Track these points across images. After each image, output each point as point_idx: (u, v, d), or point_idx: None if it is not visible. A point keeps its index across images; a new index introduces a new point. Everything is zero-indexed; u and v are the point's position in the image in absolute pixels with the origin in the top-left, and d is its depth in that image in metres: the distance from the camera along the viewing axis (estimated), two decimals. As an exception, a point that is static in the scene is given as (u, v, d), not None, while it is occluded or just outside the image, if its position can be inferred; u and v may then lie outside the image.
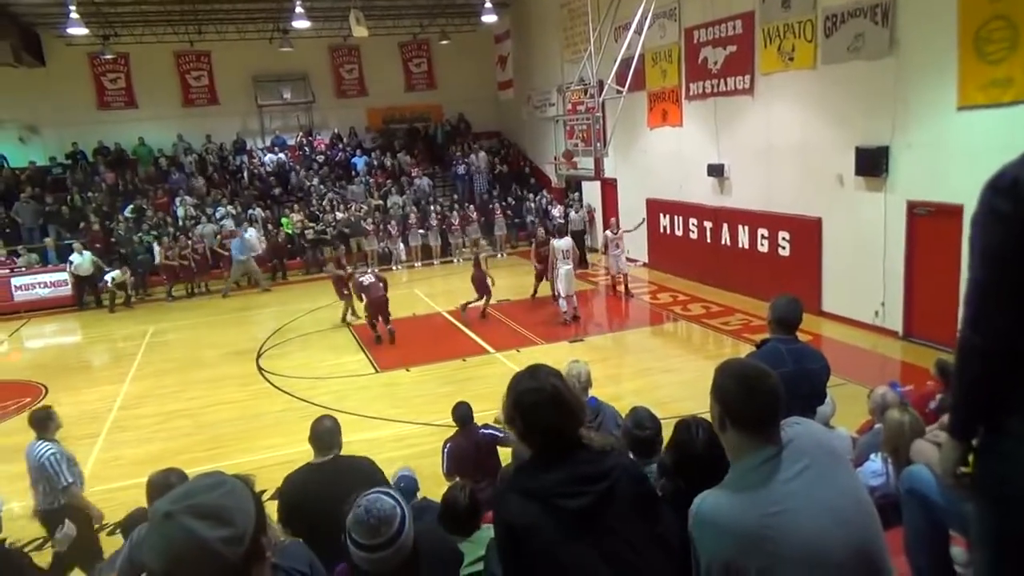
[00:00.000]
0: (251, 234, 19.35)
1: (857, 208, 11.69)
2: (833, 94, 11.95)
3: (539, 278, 14.81)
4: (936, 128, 10.13)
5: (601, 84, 15.35)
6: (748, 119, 14.14)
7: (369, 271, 13.70)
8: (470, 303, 14.25)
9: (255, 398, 10.74)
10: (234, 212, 21.07)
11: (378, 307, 12.88)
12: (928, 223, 10.55)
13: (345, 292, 14.45)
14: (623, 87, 14.59)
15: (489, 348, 12.36)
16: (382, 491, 2.32)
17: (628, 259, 16.03)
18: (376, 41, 23.61)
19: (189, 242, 19.12)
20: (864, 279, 11.61)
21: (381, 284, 12.95)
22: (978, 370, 1.59)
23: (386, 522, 2.21)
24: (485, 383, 10.54)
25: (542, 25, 22.52)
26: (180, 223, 20.52)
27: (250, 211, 21.16)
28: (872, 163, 11.15)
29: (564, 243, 13.63)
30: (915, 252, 10.81)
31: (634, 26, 14.48)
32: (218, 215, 20.86)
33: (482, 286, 14.05)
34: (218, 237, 19.89)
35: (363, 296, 13.00)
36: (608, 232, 15.75)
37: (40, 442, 5.58)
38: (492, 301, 14.28)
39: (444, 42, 24.92)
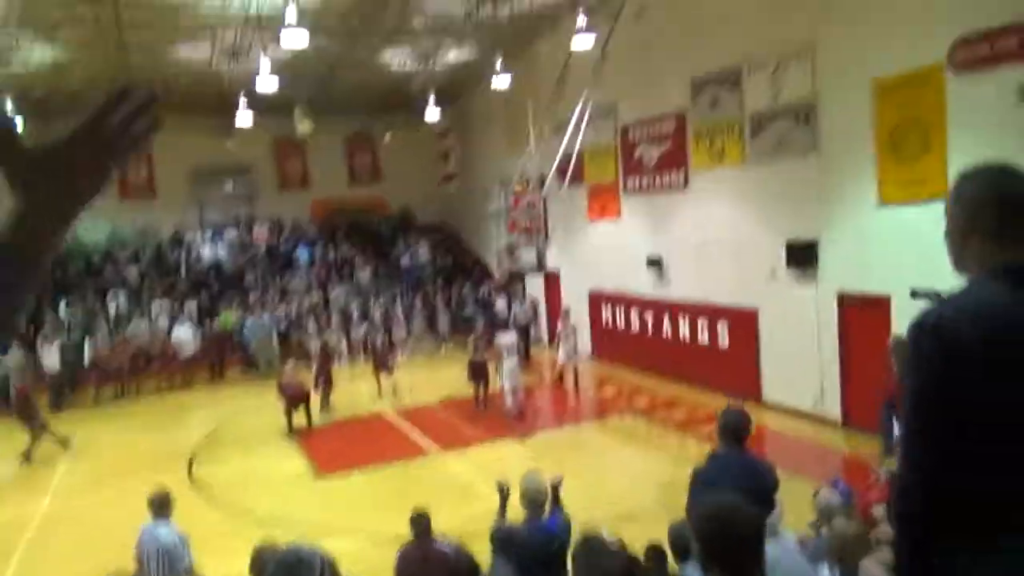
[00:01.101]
0: (185, 332, 18.85)
1: (791, 299, 12.02)
2: (762, 190, 12.45)
3: (478, 379, 14.01)
4: (860, 223, 10.60)
5: (542, 178, 15.72)
6: (683, 213, 14.58)
7: (289, 371, 13.76)
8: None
9: (187, 510, 10.13)
10: (169, 309, 20.55)
11: (298, 400, 13.27)
12: (858, 313, 10.90)
13: (320, 380, 14.67)
14: (563, 181, 14.98)
15: (434, 447, 12.08)
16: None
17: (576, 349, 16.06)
18: (321, 136, 23.86)
19: (119, 341, 18.49)
20: (802, 369, 11.82)
21: (300, 385, 13.48)
22: (915, 509, 1.60)
23: (307, 565, 1.94)
24: (431, 485, 10.27)
25: (484, 121, 23.16)
26: (112, 321, 19.90)
27: (185, 307, 20.67)
28: (802, 256, 11.56)
29: (508, 338, 13.61)
30: (848, 341, 11.10)
31: (572, 123, 14.98)
32: (153, 311, 20.32)
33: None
34: (149, 334, 19.26)
35: (282, 392, 13.24)
36: (560, 322, 15.81)
37: (163, 524, 5.75)
38: (434, 399, 14.06)
39: (388, 137, 25.32)
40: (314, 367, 15.28)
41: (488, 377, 13.46)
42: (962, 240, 1.69)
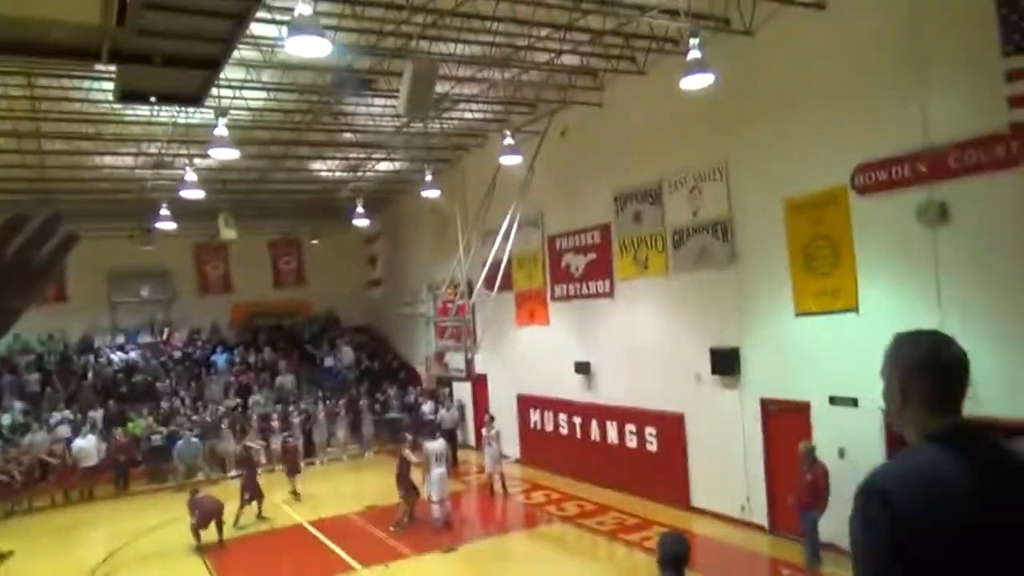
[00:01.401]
0: (88, 442, 17.70)
1: (716, 404, 12.24)
2: (686, 299, 12.86)
3: (408, 492, 13.41)
4: (778, 332, 11.03)
5: (471, 285, 15.84)
6: (610, 320, 14.86)
7: (200, 492, 13.11)
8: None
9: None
10: (72, 418, 19.32)
11: (211, 516, 12.64)
12: (781, 418, 11.16)
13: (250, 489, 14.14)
14: (492, 289, 15.13)
15: (355, 564, 11.49)
16: None
17: (501, 454, 15.85)
18: (245, 239, 23.57)
19: (14, 453, 17.17)
20: (729, 474, 11.93)
21: (212, 499, 12.89)
22: None
23: None
24: (352, 605, 9.75)
25: (412, 228, 23.40)
26: (5, 433, 18.51)
27: (89, 415, 19.47)
28: (726, 363, 11.87)
29: (437, 445, 13.29)
30: (772, 446, 11.31)
31: (501, 232, 15.29)
32: (53, 421, 19.04)
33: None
34: (47, 445, 17.95)
35: (195, 510, 12.59)
36: (484, 429, 15.62)
37: None
38: (357, 508, 13.52)
39: (315, 241, 25.29)
40: (240, 476, 14.71)
41: (418, 489, 13.03)
42: (901, 401, 1.77)
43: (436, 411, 19.80)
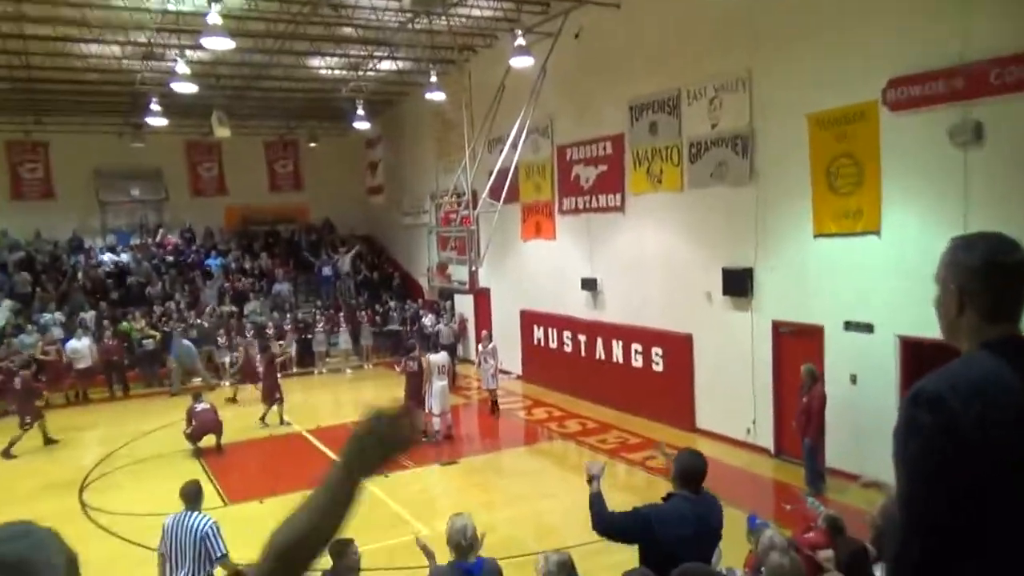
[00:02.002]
0: (83, 343, 17.99)
1: (726, 326, 12.35)
2: (700, 216, 12.79)
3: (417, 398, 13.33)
4: (795, 253, 11.01)
5: (475, 195, 15.73)
6: (620, 236, 14.83)
7: (202, 401, 13.38)
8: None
9: (76, 543, 9.59)
10: (63, 319, 19.57)
11: (207, 431, 13.11)
12: (792, 342, 11.28)
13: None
14: (497, 200, 15.03)
15: (355, 473, 11.81)
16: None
17: (501, 371, 16.15)
18: (239, 140, 23.34)
19: (5, 352, 17.47)
20: (735, 396, 12.14)
21: (212, 413, 13.23)
22: (913, 561, 1.62)
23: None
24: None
25: (415, 133, 23.08)
26: (-2, 332, 18.81)
27: (81, 315, 19.71)
28: (738, 283, 11.91)
29: (440, 358, 13.51)
30: (782, 371, 11.47)
31: (509, 140, 15.07)
32: (43, 321, 19.29)
33: (268, 396, 14.74)
34: (40, 345, 18.28)
35: (192, 421, 12.98)
36: (480, 345, 15.80)
37: (196, 513, 5.89)
38: (356, 418, 13.72)
39: (312, 144, 24.99)
40: (262, 380, 15.45)
41: (423, 400, 13.28)
42: (956, 309, 1.69)
43: (437, 324, 20.06)
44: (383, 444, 1.50)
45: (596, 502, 4.19)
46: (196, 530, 5.78)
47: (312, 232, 26.55)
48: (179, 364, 18.51)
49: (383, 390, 17.01)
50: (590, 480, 4.33)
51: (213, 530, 5.79)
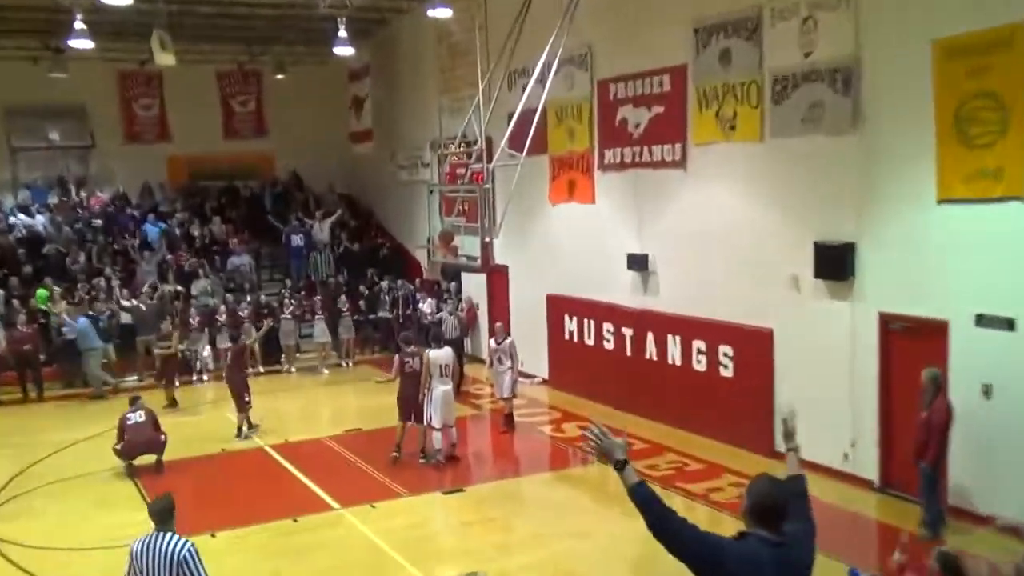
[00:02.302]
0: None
1: (818, 319, 12.18)
2: (786, 175, 12.62)
3: (407, 411, 13.61)
4: (913, 224, 10.81)
5: (491, 144, 15.60)
6: (679, 200, 14.69)
7: (138, 410, 13.44)
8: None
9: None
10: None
11: (143, 450, 13.23)
12: (907, 342, 11.11)
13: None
14: (519, 151, 14.82)
15: (332, 502, 11.84)
16: None
17: (522, 374, 16.15)
18: (187, 69, 23.26)
19: None
20: (829, 411, 11.98)
21: (150, 426, 13.36)
22: None
23: None
24: (328, 554, 10.07)
25: (413, 63, 22.97)
26: None
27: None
28: (834, 264, 11.73)
29: (442, 355, 13.41)
30: (892, 378, 11.30)
31: (535, 73, 14.91)
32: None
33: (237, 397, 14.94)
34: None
35: (124, 435, 13.08)
36: (493, 341, 15.72)
37: (170, 535, 6.05)
38: (338, 431, 13.91)
39: (280, 76, 24.93)
40: (228, 379, 15.65)
41: (421, 410, 13.28)
42: None
43: (438, 312, 20.02)
44: None
45: (647, 494, 4.06)
46: (172, 555, 5.91)
47: (279, 190, 26.53)
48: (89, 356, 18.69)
49: (368, 396, 17.03)
50: (618, 464, 4.17)
51: (192, 554, 5.95)
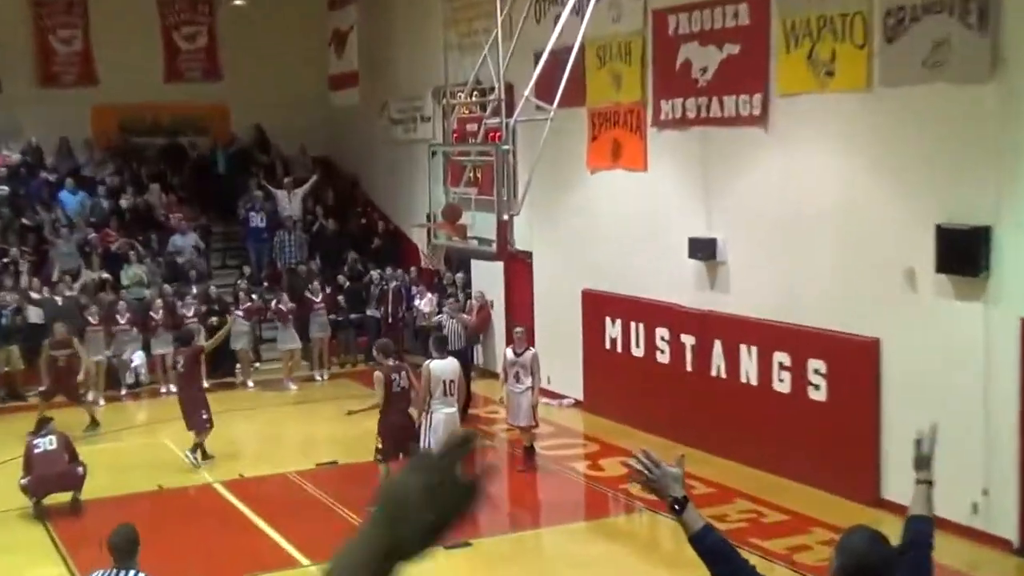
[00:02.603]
0: None
1: (940, 325, 12.11)
2: (900, 135, 12.53)
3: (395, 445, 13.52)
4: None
5: (512, 93, 15.51)
6: (758, 167, 14.64)
7: (48, 435, 13.51)
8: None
9: None
10: None
11: (49, 485, 13.29)
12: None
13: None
14: (549, 102, 14.70)
15: (299, 555, 11.86)
16: None
17: (546, 394, 16.17)
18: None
19: None
20: (954, 448, 11.79)
21: (64, 456, 13.43)
22: None
23: None
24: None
25: (411, -14, 23.00)
26: None
27: None
28: (965, 253, 11.63)
29: (447, 368, 13.34)
30: (1038, 405, 11.20)
31: (570, 2, 14.82)
32: None
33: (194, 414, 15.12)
34: None
35: (31, 467, 13.21)
36: (510, 351, 15.55)
37: (132, 573, 6.56)
38: (308, 465, 13.85)
39: (238, 1, 24.92)
40: (180, 391, 15.87)
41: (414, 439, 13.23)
42: None
43: (439, 311, 19.94)
44: (437, 500, 1.55)
45: (716, 543, 4.02)
46: None
47: (236, 151, 26.52)
48: None
49: (348, 419, 16.88)
50: (675, 503, 4.04)
51: None
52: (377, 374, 14.05)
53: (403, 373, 13.47)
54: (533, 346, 15.57)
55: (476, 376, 19.19)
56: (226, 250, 24.38)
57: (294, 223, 24.18)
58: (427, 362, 13.48)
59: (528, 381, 15.10)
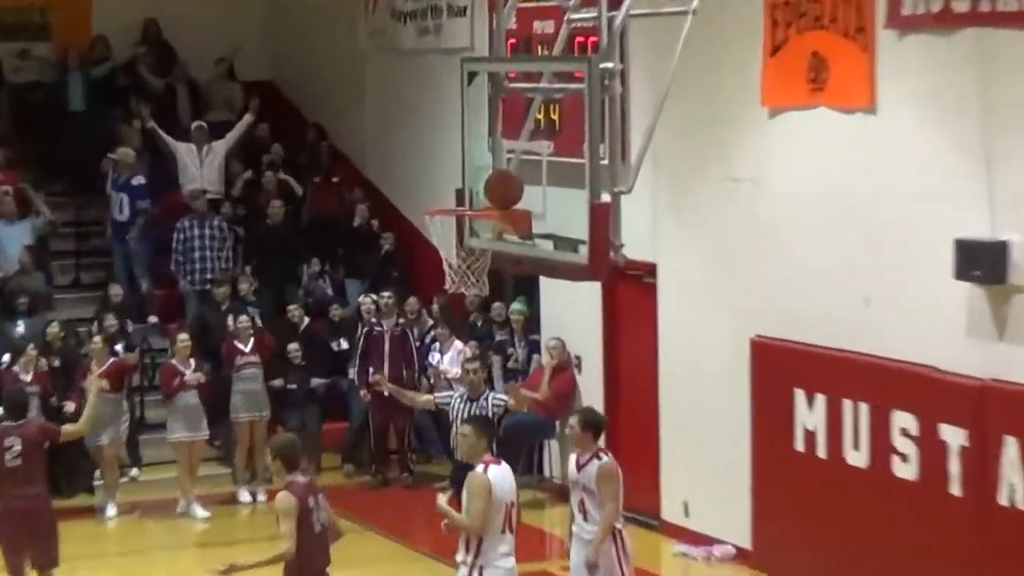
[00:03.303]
0: None
1: None
2: None
3: None
4: None
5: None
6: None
7: None
8: None
9: None
10: None
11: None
12: None
13: None
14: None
15: None
16: None
17: (682, 534, 16.85)
18: None
19: None
20: None
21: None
22: None
23: None
24: None
25: None
26: None
27: None
28: None
29: (506, 481, 13.06)
30: None
31: None
32: None
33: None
34: None
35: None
36: (574, 461, 15.21)
37: None
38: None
39: None
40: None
41: None
42: None
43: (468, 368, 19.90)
44: None
45: None
46: None
47: (106, 71, 27.13)
48: None
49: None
50: None
51: None
52: (283, 501, 13.65)
53: (320, 498, 13.23)
54: (606, 454, 15.03)
55: (537, 483, 19.99)
56: (80, 255, 24.42)
57: (209, 203, 24.23)
58: (481, 472, 13.14)
59: (597, 517, 14.84)
